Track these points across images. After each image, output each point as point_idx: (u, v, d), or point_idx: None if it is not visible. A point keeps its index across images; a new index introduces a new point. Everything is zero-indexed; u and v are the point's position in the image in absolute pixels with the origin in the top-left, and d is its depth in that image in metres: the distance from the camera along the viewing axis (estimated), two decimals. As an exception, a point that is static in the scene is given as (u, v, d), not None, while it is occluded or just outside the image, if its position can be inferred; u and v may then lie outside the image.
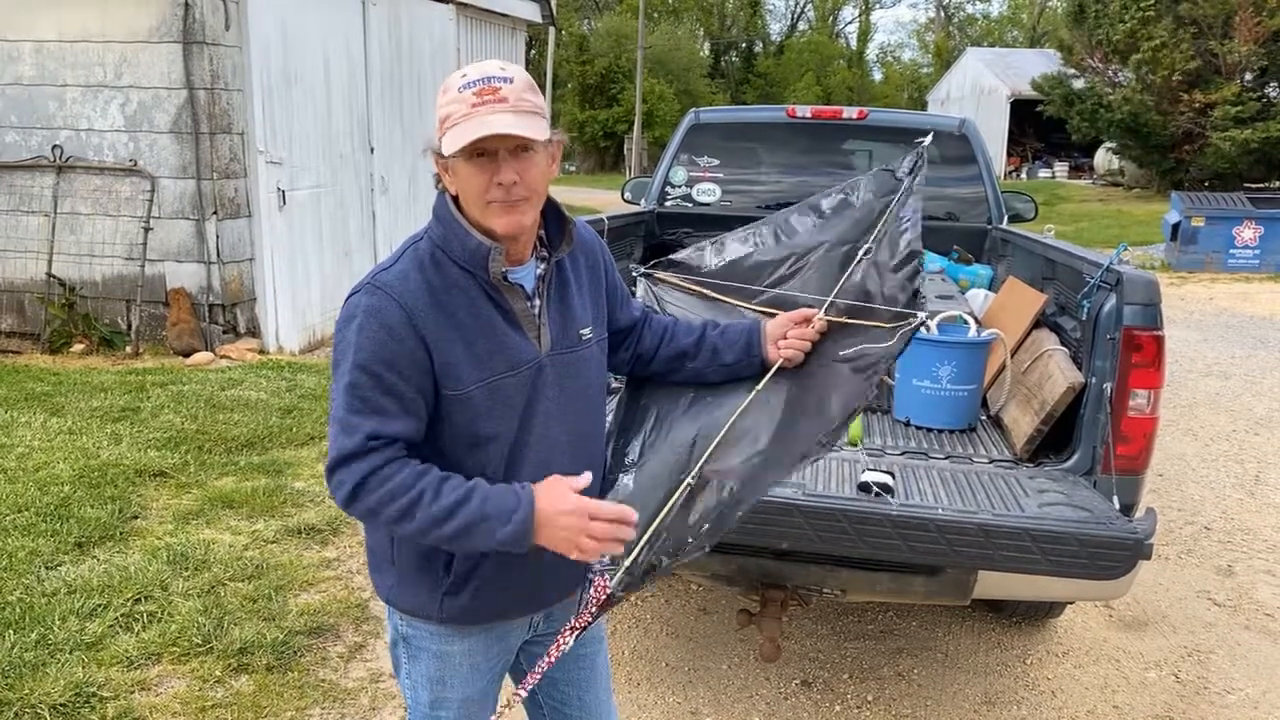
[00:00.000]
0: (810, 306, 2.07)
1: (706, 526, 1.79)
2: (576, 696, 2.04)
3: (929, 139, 2.35)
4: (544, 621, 1.93)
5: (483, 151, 1.60)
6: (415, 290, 1.65)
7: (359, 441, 1.58)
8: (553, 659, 1.73)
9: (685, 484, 1.82)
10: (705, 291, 2.27)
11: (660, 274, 2.34)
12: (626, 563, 1.76)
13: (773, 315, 2.09)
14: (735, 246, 2.33)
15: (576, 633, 1.72)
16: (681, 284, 2.31)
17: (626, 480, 1.94)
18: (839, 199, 2.32)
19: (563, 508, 1.59)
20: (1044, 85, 24.59)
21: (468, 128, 1.58)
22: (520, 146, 1.61)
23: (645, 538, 1.77)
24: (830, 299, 2.08)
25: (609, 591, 1.74)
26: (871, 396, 2.00)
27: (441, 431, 1.68)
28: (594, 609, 1.74)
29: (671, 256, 2.38)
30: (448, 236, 1.69)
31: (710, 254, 2.34)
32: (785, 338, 2.00)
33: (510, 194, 1.62)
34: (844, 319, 2.04)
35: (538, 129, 1.62)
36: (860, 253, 2.16)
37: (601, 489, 1.92)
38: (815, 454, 1.90)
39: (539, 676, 1.74)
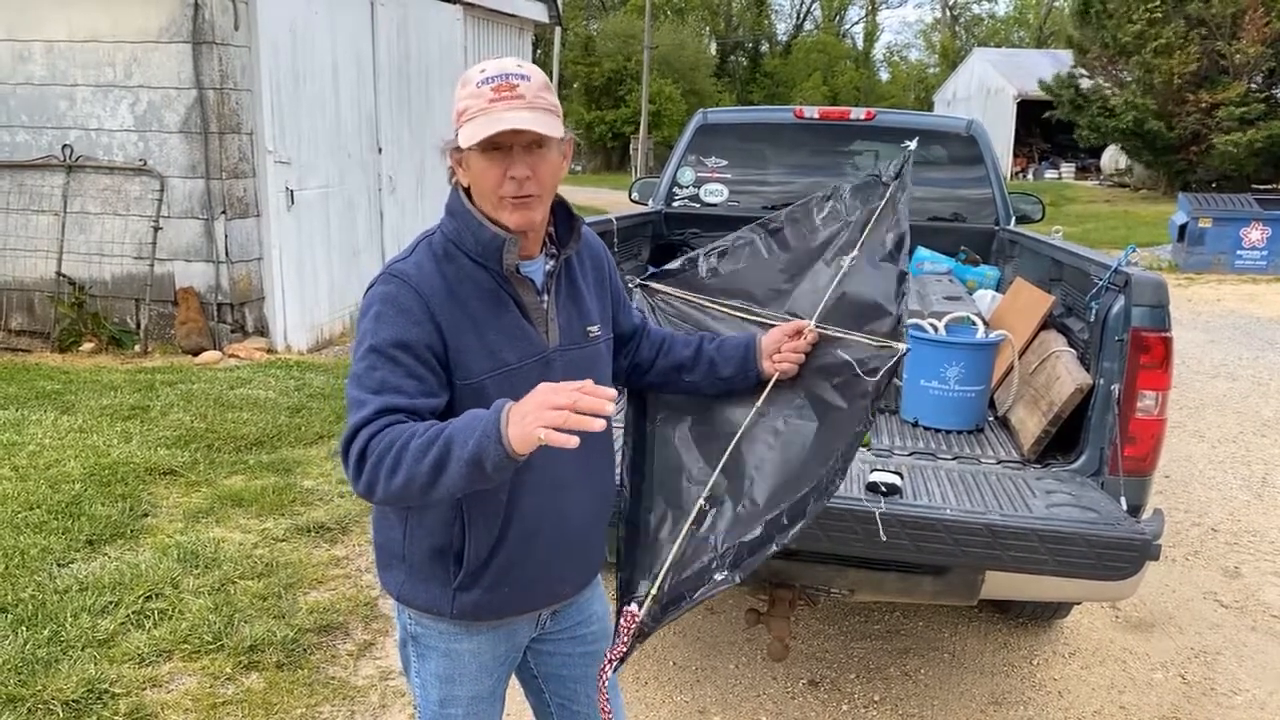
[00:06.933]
0: (802, 319, 2.08)
1: (729, 555, 1.79)
2: (585, 693, 2.05)
3: (913, 143, 2.35)
4: (551, 619, 1.94)
5: (498, 146, 1.63)
6: (430, 279, 1.67)
7: (367, 414, 1.56)
8: (605, 694, 1.75)
9: (698, 509, 1.83)
10: (701, 302, 2.27)
11: (655, 285, 2.34)
12: (653, 590, 1.78)
13: (768, 326, 2.11)
14: (728, 257, 2.33)
15: (614, 664, 1.75)
16: (676, 295, 2.31)
17: (645, 512, 1.95)
18: (828, 208, 2.32)
19: (529, 397, 1.47)
20: (1054, 86, 24.47)
21: (485, 122, 1.61)
22: (534, 142, 1.64)
23: (667, 565, 1.79)
24: (818, 311, 2.09)
25: (639, 620, 1.76)
26: (869, 423, 1.99)
27: None
28: (627, 639, 1.76)
29: (665, 267, 2.39)
30: (460, 230, 1.71)
31: (704, 264, 2.34)
32: (780, 351, 2.02)
33: (523, 188, 1.65)
34: (834, 332, 2.05)
35: (553, 126, 1.65)
36: (847, 263, 2.17)
37: (625, 521, 1.95)
38: (826, 488, 1.86)
39: (609, 711, 1.77)
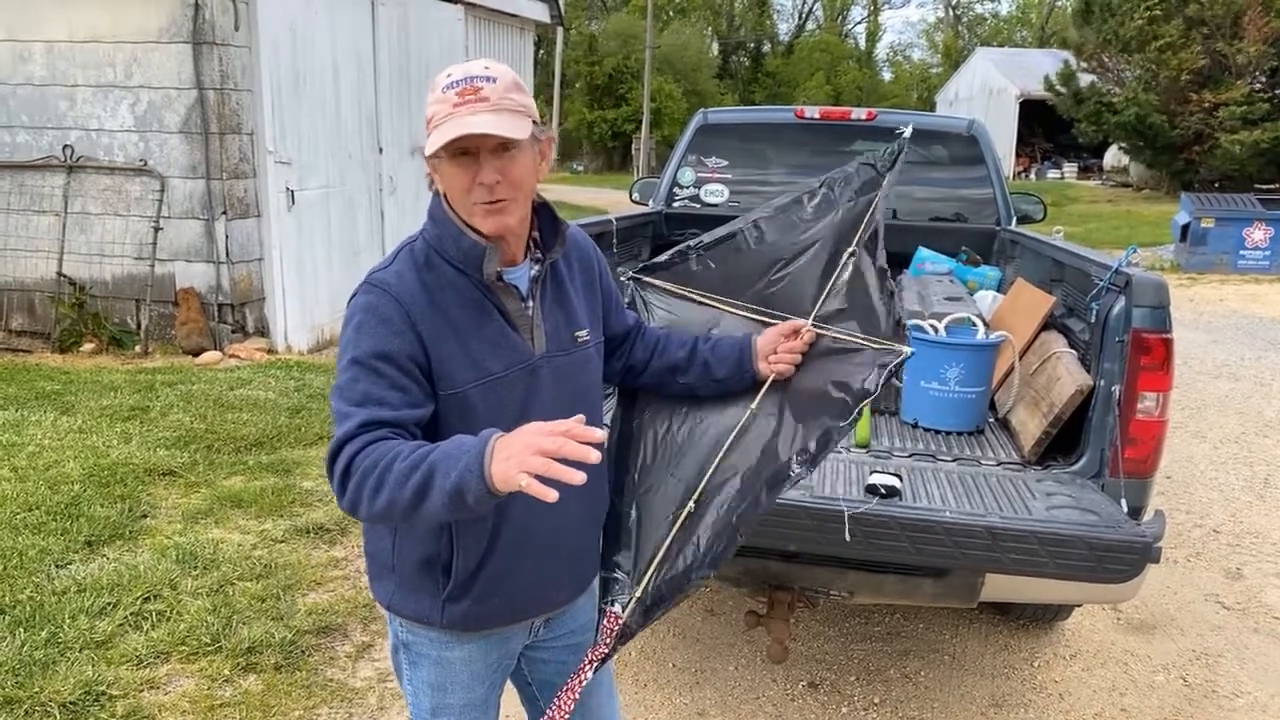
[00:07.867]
0: (799, 317, 2.03)
1: (709, 556, 1.76)
2: (580, 699, 2.03)
3: (908, 129, 2.30)
4: (544, 627, 1.92)
5: (465, 151, 1.60)
6: (410, 288, 1.64)
7: (352, 428, 1.54)
8: (576, 693, 1.71)
9: (686, 511, 1.80)
10: (693, 297, 2.23)
11: (648, 278, 2.30)
12: (637, 592, 1.76)
13: (763, 323, 2.06)
14: (722, 249, 2.28)
15: (595, 665, 1.72)
16: (669, 289, 2.27)
17: (629, 510, 1.92)
18: (822, 196, 2.26)
19: (517, 434, 1.45)
20: (1056, 81, 24.35)
21: (447, 128, 1.59)
22: (502, 145, 1.60)
23: (653, 566, 1.77)
24: (816, 310, 2.04)
25: (622, 622, 1.73)
26: (851, 420, 1.90)
27: (438, 435, 1.66)
28: (609, 640, 1.73)
29: (657, 259, 2.32)
30: (442, 236, 1.69)
31: (695, 256, 2.29)
32: (776, 352, 1.97)
33: (493, 193, 1.62)
34: (831, 331, 2.01)
35: (518, 128, 1.60)
36: (844, 257, 2.12)
37: (607, 519, 1.92)
38: (794, 475, 1.83)
39: (568, 713, 1.73)
